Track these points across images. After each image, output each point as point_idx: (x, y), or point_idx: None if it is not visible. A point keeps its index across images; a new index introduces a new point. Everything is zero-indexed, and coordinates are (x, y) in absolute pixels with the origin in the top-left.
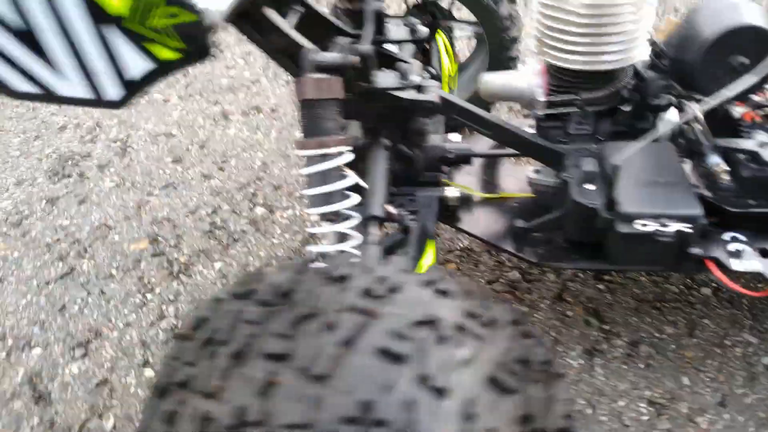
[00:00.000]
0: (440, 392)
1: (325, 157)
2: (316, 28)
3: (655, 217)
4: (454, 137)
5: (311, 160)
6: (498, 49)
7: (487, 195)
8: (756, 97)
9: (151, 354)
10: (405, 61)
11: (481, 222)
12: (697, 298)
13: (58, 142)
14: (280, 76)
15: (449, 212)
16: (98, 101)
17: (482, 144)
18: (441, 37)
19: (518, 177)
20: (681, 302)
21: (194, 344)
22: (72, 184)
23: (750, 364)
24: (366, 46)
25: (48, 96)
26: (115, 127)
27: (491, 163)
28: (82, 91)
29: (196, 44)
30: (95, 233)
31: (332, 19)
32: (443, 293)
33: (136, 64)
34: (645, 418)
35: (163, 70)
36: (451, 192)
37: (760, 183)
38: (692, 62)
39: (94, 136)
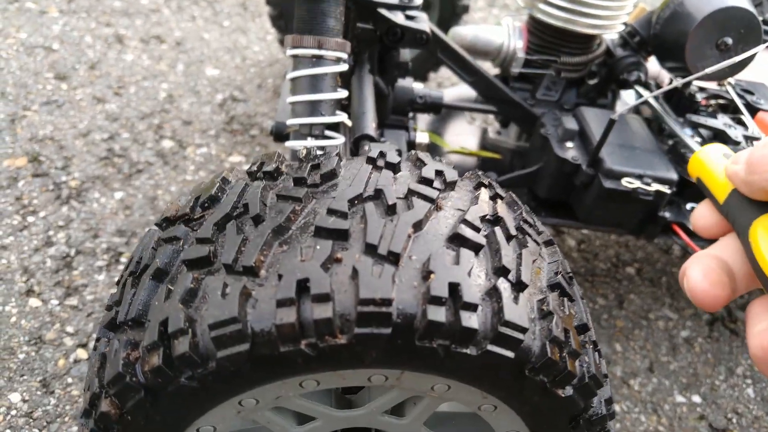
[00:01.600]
0: (520, 285)
1: (320, 60)
2: None
3: (638, 177)
4: (417, 85)
5: (302, 62)
6: (449, 16)
7: (456, 149)
8: (713, 87)
9: (37, 283)
10: None
11: None
12: (623, 275)
13: None
14: (185, 9)
15: None
16: None
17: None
18: None
19: (475, 135)
20: (609, 278)
21: (206, 222)
22: None
23: (671, 336)
24: None
25: None
26: None
27: (446, 117)
28: None
29: None
30: None
31: None
32: (497, 197)
33: None
34: None
35: None
36: (422, 137)
37: None
38: (680, 38)
39: None
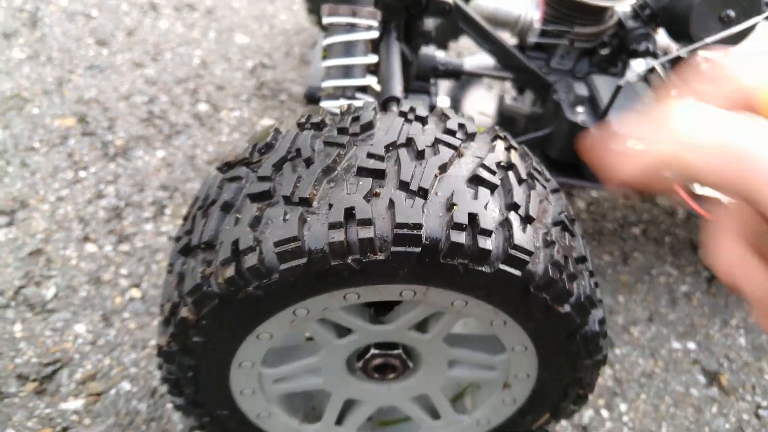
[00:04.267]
0: (527, 219)
1: (353, 28)
2: None
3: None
4: (439, 52)
5: (336, 29)
6: None
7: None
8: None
9: (92, 231)
10: None
11: None
12: (629, 234)
13: None
14: None
15: None
16: None
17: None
18: None
19: (493, 101)
20: (616, 237)
21: (265, 164)
22: None
23: (671, 290)
24: None
25: None
26: None
27: (465, 84)
28: None
29: None
30: (8, 103)
31: None
32: (512, 148)
33: None
34: None
35: None
36: (443, 102)
37: None
38: (686, 11)
39: None
